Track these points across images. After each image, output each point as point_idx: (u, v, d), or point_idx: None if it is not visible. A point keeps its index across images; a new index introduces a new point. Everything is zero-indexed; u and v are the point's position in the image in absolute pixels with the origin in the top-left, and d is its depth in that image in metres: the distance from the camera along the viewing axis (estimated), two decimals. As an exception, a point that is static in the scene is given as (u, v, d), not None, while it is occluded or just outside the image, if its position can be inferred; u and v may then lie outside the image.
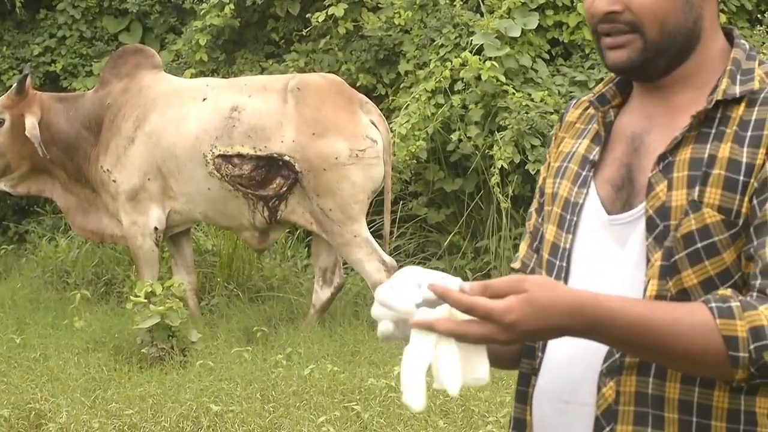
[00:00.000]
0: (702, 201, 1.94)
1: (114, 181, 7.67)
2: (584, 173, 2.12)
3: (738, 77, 2.01)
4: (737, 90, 1.99)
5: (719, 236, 1.94)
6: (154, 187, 7.60)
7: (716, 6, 2.09)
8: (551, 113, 8.34)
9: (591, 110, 2.21)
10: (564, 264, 2.11)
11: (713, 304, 1.87)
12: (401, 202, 8.82)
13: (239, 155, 7.40)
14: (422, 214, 8.89)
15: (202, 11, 9.85)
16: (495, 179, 8.19)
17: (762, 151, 1.94)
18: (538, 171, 8.18)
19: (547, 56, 8.93)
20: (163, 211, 7.63)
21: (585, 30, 8.79)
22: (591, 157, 2.12)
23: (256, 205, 7.47)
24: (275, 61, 9.85)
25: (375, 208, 7.94)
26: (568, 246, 2.11)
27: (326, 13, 9.30)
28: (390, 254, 7.66)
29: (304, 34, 9.62)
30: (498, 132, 8.41)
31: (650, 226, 1.99)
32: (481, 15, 8.96)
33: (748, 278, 1.92)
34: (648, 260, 1.99)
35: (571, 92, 8.59)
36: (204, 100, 7.59)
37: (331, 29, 9.45)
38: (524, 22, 8.75)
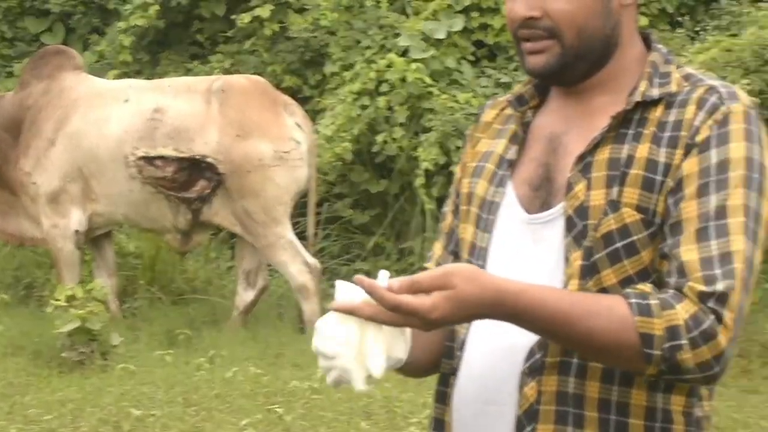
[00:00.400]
0: (621, 201, 1.95)
1: (34, 183, 7.56)
2: (501, 172, 2.12)
3: (656, 80, 2.04)
4: (655, 92, 2.01)
5: (638, 235, 1.95)
6: (74, 190, 7.51)
7: (635, 12, 2.11)
8: (476, 115, 8.33)
9: (508, 111, 2.21)
10: (481, 263, 2.10)
11: (633, 300, 1.89)
12: (326, 204, 8.79)
13: (162, 157, 7.34)
14: (347, 216, 8.88)
15: (127, 12, 9.76)
16: (420, 180, 8.20)
17: (679, 151, 1.96)
18: (462, 172, 8.21)
19: (472, 58, 8.96)
20: (84, 214, 7.54)
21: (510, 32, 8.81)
22: (508, 157, 2.12)
23: (179, 207, 7.41)
24: (200, 63, 9.79)
25: (299, 209, 7.90)
26: (485, 245, 2.11)
27: (252, 14, 9.26)
28: (314, 256, 7.64)
29: (230, 35, 9.58)
30: (423, 133, 8.42)
31: (569, 225, 2.00)
32: (407, 17, 8.97)
33: (663, 276, 1.94)
34: (567, 259, 1.99)
35: (495, 94, 8.61)
36: (126, 101, 7.52)
37: (257, 31, 9.41)
38: (450, 24, 8.77)
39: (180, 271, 8.38)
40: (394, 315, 1.82)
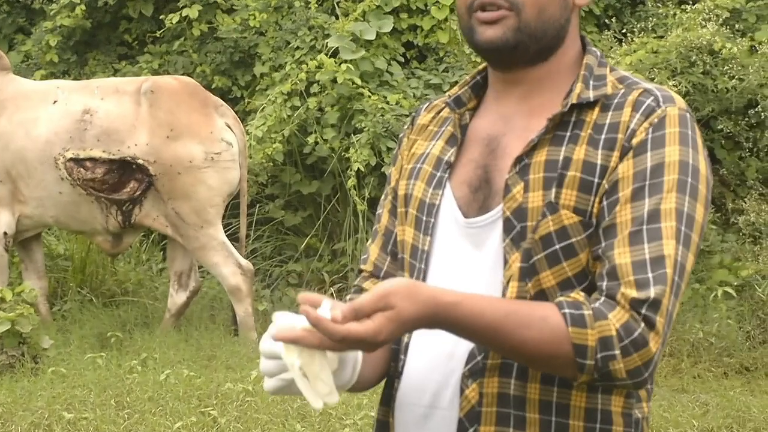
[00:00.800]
0: (558, 202, 1.97)
1: (-39, 185, 7.46)
2: (439, 174, 2.13)
3: (591, 82, 2.06)
4: (591, 94, 2.04)
5: (577, 237, 1.97)
6: (2, 192, 7.42)
7: (578, 15, 2.14)
8: (406, 116, 8.39)
9: (444, 113, 2.23)
10: (423, 266, 2.12)
11: (566, 311, 1.90)
12: (257, 205, 8.78)
13: (91, 159, 7.28)
14: (279, 217, 8.87)
15: (52, 12, 9.66)
16: (351, 182, 8.21)
17: (615, 153, 1.97)
18: (394, 173, 8.23)
19: (401, 59, 8.99)
20: (13, 216, 7.46)
21: (439, 33, 8.87)
22: (446, 158, 2.14)
23: (110, 209, 7.35)
24: (128, 63, 9.72)
25: (231, 211, 7.89)
26: (426, 248, 2.12)
27: (180, 14, 9.21)
28: (246, 257, 7.62)
29: (158, 35, 9.52)
30: (354, 134, 8.44)
31: (507, 227, 2.01)
32: (336, 18, 8.97)
33: (595, 279, 1.96)
34: (506, 261, 2.01)
35: (426, 95, 8.66)
36: (55, 102, 7.45)
37: (186, 31, 9.36)
38: (379, 25, 8.79)
39: (111, 273, 8.32)
40: (341, 344, 1.83)
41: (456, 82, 8.61)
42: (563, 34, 2.08)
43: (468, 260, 2.06)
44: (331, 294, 8.16)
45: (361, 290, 2.27)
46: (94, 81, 7.88)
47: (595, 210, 1.97)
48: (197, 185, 7.27)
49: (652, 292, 1.88)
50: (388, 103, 8.45)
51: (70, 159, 7.27)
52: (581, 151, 1.99)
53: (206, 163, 7.28)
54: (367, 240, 8.25)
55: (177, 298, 7.56)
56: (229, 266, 7.31)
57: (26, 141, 7.37)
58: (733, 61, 7.93)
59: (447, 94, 2.23)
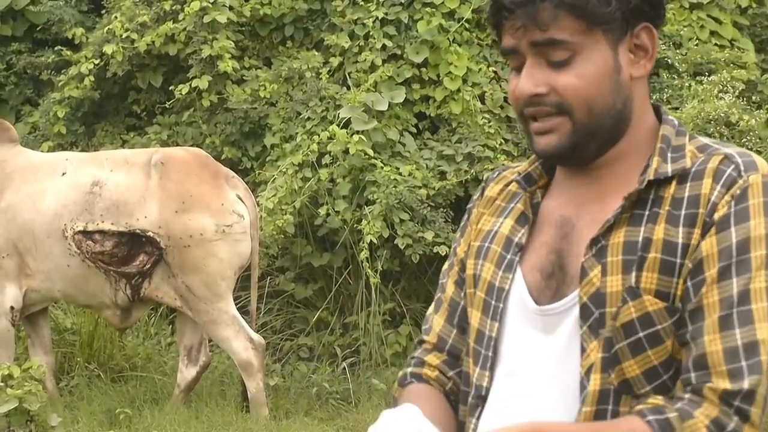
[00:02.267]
0: (639, 287, 1.86)
1: (-33, 258, 7.33)
2: (509, 256, 2.03)
3: (669, 155, 1.94)
4: (669, 168, 1.92)
5: (662, 324, 1.86)
6: (9, 265, 7.29)
7: (647, 85, 2.02)
8: (419, 187, 8.30)
9: (512, 187, 2.13)
10: (490, 353, 2.02)
11: (651, 418, 1.79)
12: (268, 278, 8.65)
13: (100, 231, 7.16)
14: (289, 290, 8.73)
15: (60, 83, 9.59)
16: (364, 254, 8.09)
17: (697, 230, 1.86)
18: (408, 245, 8.12)
19: (414, 130, 8.91)
20: (20, 290, 7.32)
21: (452, 104, 8.79)
22: (516, 240, 2.04)
23: (118, 283, 7.22)
24: (137, 134, 9.64)
25: (241, 283, 7.75)
26: (494, 334, 2.02)
27: (190, 85, 9.14)
28: (256, 331, 7.48)
29: (167, 106, 9.44)
30: (366, 206, 8.33)
31: (584, 314, 1.90)
32: (348, 88, 8.91)
33: (681, 367, 1.84)
34: (583, 350, 1.90)
35: (438, 166, 8.56)
36: (63, 174, 7.35)
37: (195, 101, 9.29)
38: (391, 96, 8.72)
39: (119, 348, 8.17)
40: None
41: (469, 154, 8.52)
42: (627, 115, 1.95)
43: (539, 349, 1.96)
44: (343, 369, 8.02)
45: (422, 363, 2.16)
46: (103, 152, 7.79)
47: (679, 292, 1.85)
48: (208, 258, 7.14)
49: (746, 383, 1.77)
50: (400, 174, 8.35)
51: (79, 232, 7.16)
52: (660, 230, 1.87)
53: (217, 236, 7.17)
54: (380, 313, 8.16)
55: (187, 373, 7.40)
56: (240, 341, 7.16)
57: (34, 213, 7.25)
58: (751, 134, 7.84)
59: (516, 168, 2.13)
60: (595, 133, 1.93)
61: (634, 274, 1.87)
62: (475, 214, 2.16)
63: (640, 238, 1.88)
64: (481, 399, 2.04)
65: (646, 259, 1.87)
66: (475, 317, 2.07)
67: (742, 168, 1.87)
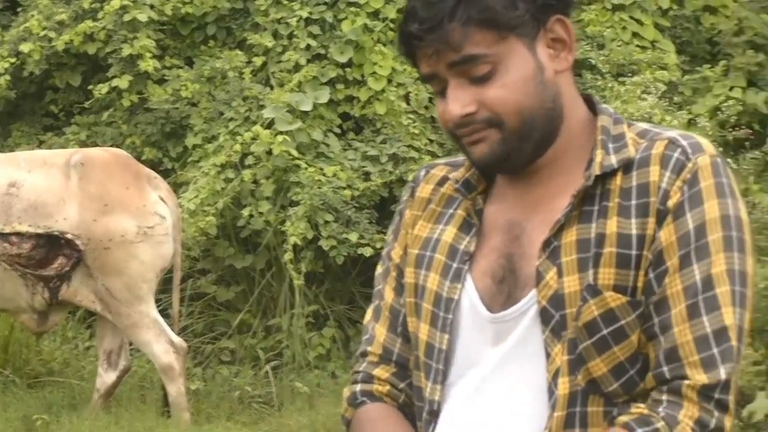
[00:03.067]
0: (599, 284, 1.82)
1: None
2: (456, 265, 1.97)
3: (611, 146, 1.89)
4: (614, 160, 1.88)
5: (626, 319, 1.82)
6: None
7: (571, 77, 1.96)
8: (344, 188, 8.23)
9: (446, 189, 2.06)
10: (441, 367, 1.97)
11: (639, 430, 1.77)
12: (189, 280, 8.52)
13: (17, 233, 6.99)
14: (211, 292, 8.61)
15: (-26, 82, 9.38)
16: (288, 256, 8.00)
17: (651, 219, 1.83)
18: (332, 247, 8.05)
19: (338, 130, 8.84)
20: (-67, 294, 7.13)
21: (376, 104, 8.74)
22: (462, 248, 1.97)
23: (36, 286, 7.05)
24: (54, 134, 9.46)
25: (161, 286, 7.61)
26: (444, 347, 1.96)
27: (110, 84, 8.99)
28: (178, 334, 7.35)
29: (86, 106, 9.27)
30: (290, 207, 8.25)
31: (545, 318, 1.86)
32: (271, 88, 8.81)
33: (652, 362, 1.81)
34: (548, 355, 1.86)
35: (363, 167, 8.50)
36: (-22, 175, 7.16)
37: (115, 101, 9.13)
38: (315, 96, 8.64)
39: (35, 353, 7.99)
40: None
41: (394, 154, 8.48)
42: (558, 112, 1.91)
43: (494, 357, 1.91)
44: (266, 372, 7.93)
45: (371, 378, 2.08)
46: (21, 153, 7.63)
47: (639, 284, 1.82)
48: (129, 260, 7.01)
49: (722, 374, 1.76)
50: (325, 175, 8.27)
51: (-5, 234, 6.99)
52: (613, 224, 1.83)
53: (139, 238, 7.04)
54: (303, 315, 8.08)
55: (106, 377, 7.26)
56: (162, 344, 7.04)
57: (-52, 215, 7.07)
58: (673, 134, 7.89)
59: (449, 164, 2.07)
60: (527, 136, 1.89)
61: (591, 271, 1.83)
62: (409, 217, 2.09)
63: (593, 235, 1.84)
64: (434, 414, 1.99)
65: (602, 254, 1.83)
66: (423, 330, 2.00)
67: (689, 151, 1.84)
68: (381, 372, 2.09)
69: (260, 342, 8.33)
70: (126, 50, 8.90)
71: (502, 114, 1.87)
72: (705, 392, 1.76)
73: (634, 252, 1.82)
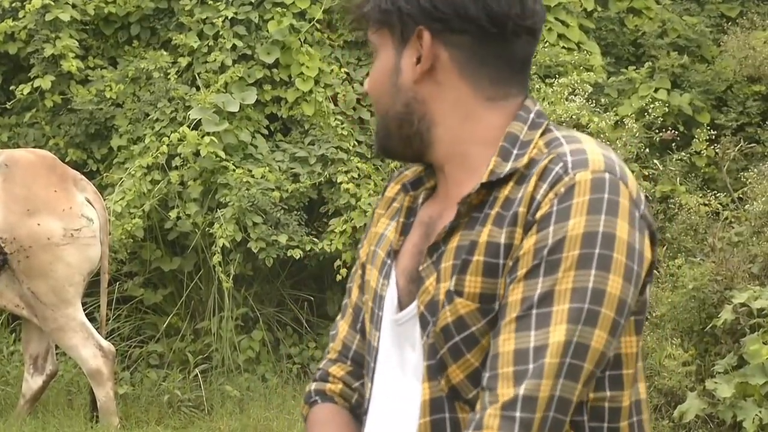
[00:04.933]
0: (461, 291, 1.81)
1: None
2: (388, 261, 1.97)
3: (514, 152, 1.86)
4: (507, 167, 1.85)
5: (476, 325, 1.81)
6: None
7: (467, 87, 1.91)
8: (272, 190, 8.18)
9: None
10: (372, 364, 1.97)
11: None
12: (116, 283, 8.40)
13: (-60, 236, 6.85)
14: (138, 295, 8.51)
15: None
16: (216, 258, 7.93)
17: (519, 229, 1.80)
18: (261, 249, 8.00)
19: (266, 131, 8.78)
20: None
21: (304, 105, 8.70)
22: (394, 245, 1.98)
23: (-40, 290, 6.92)
24: (-25, 136, 9.26)
25: (87, 289, 7.50)
26: (375, 344, 1.97)
27: (32, 85, 8.83)
28: (105, 338, 7.25)
29: (8, 106, 9.11)
30: (218, 209, 8.18)
31: (423, 323, 1.86)
32: (198, 89, 8.73)
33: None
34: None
35: (291, 168, 8.46)
36: None
37: (37, 102, 8.98)
38: (242, 97, 8.58)
39: (-41, 358, 7.84)
40: None
41: (323, 156, 8.44)
42: (413, 119, 1.92)
43: (396, 359, 1.92)
44: (195, 375, 7.85)
45: (327, 376, 2.08)
46: (-58, 154, 7.46)
47: (501, 292, 1.80)
48: (55, 263, 6.91)
49: (522, 390, 1.72)
50: (253, 176, 8.22)
51: None
52: (486, 233, 1.81)
53: (65, 240, 6.94)
54: (232, 318, 8.02)
55: (33, 382, 7.14)
56: (89, 348, 6.95)
57: None
58: (600, 136, 7.95)
59: (413, 171, 2.07)
60: (387, 130, 1.94)
61: (455, 278, 1.82)
62: (377, 215, 2.10)
63: (469, 242, 1.83)
64: (365, 412, 2.00)
65: (471, 262, 1.81)
66: (368, 327, 2.01)
67: (569, 166, 1.79)
68: (336, 370, 2.08)
69: (189, 345, 8.25)
70: (48, 50, 8.75)
71: (372, 101, 1.97)
72: (508, 407, 1.72)
73: (500, 261, 1.80)
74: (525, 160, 1.84)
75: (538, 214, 1.78)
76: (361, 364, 2.06)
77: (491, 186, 1.84)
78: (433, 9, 1.86)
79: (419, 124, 1.90)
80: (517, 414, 1.71)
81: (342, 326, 2.09)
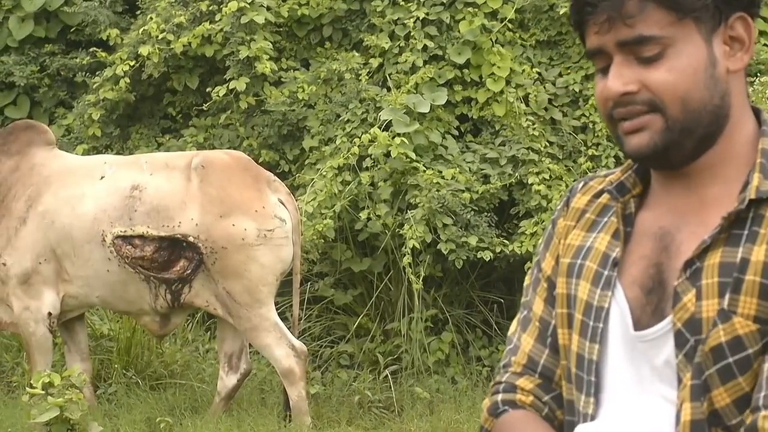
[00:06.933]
0: (734, 310, 1.72)
1: (4, 264, 7.20)
2: (606, 272, 1.89)
3: None
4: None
5: (753, 348, 1.72)
6: (47, 270, 7.16)
7: (744, 80, 1.86)
8: (462, 191, 8.14)
9: (603, 199, 1.99)
10: (593, 378, 1.89)
11: None
12: (308, 283, 8.50)
13: (140, 236, 7.02)
14: (329, 296, 8.58)
15: (95, 84, 9.47)
16: (407, 259, 7.93)
17: None
18: (451, 250, 7.96)
19: (456, 132, 8.74)
20: (58, 296, 7.19)
21: (495, 106, 8.63)
22: (613, 255, 1.89)
23: (158, 289, 7.08)
24: (172, 137, 9.51)
25: (280, 289, 7.59)
26: (595, 357, 1.88)
27: (227, 87, 9.00)
28: (297, 338, 7.33)
29: (204, 108, 9.30)
30: (408, 210, 8.18)
31: (679, 341, 1.77)
32: (388, 90, 8.75)
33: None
34: (680, 380, 1.77)
35: (482, 169, 8.40)
36: (102, 178, 7.21)
37: (232, 104, 9.15)
38: (433, 98, 8.56)
39: (157, 355, 8.03)
40: None
41: (514, 156, 8.36)
42: (725, 111, 1.81)
43: (640, 375, 1.83)
44: (385, 376, 7.87)
45: (514, 388, 2.01)
46: (143, 156, 7.66)
47: None
48: (249, 264, 7.00)
49: None
50: (443, 177, 8.19)
51: (118, 236, 7.02)
52: (761, 252, 1.72)
53: (259, 241, 7.02)
54: (422, 320, 8.00)
55: (227, 380, 7.26)
56: (282, 348, 7.02)
57: (72, 218, 7.12)
58: None
59: (607, 177, 1.98)
60: (690, 130, 1.80)
61: (728, 296, 1.73)
62: (562, 227, 2.03)
63: (738, 260, 1.74)
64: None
65: (743, 281, 1.73)
66: (574, 341, 1.94)
67: None
68: (525, 383, 2.02)
69: (378, 346, 8.28)
70: (243, 52, 8.90)
71: (665, 99, 1.79)
72: None
73: None
74: None
75: None
76: (550, 379, 2.00)
77: (757, 204, 1.77)
78: None
79: (723, 120, 1.82)
80: None
81: (526, 339, 2.03)
